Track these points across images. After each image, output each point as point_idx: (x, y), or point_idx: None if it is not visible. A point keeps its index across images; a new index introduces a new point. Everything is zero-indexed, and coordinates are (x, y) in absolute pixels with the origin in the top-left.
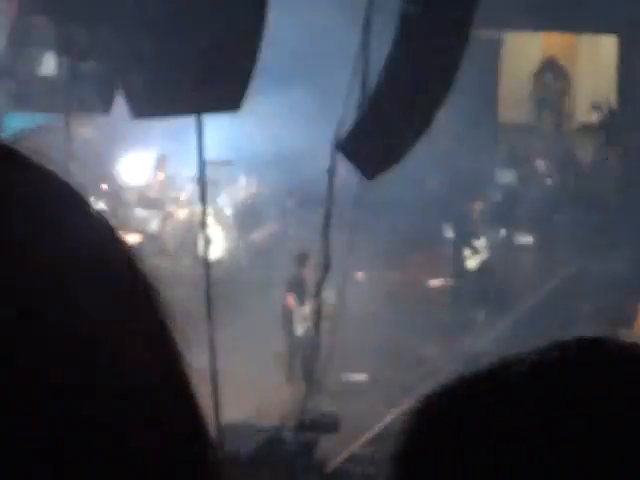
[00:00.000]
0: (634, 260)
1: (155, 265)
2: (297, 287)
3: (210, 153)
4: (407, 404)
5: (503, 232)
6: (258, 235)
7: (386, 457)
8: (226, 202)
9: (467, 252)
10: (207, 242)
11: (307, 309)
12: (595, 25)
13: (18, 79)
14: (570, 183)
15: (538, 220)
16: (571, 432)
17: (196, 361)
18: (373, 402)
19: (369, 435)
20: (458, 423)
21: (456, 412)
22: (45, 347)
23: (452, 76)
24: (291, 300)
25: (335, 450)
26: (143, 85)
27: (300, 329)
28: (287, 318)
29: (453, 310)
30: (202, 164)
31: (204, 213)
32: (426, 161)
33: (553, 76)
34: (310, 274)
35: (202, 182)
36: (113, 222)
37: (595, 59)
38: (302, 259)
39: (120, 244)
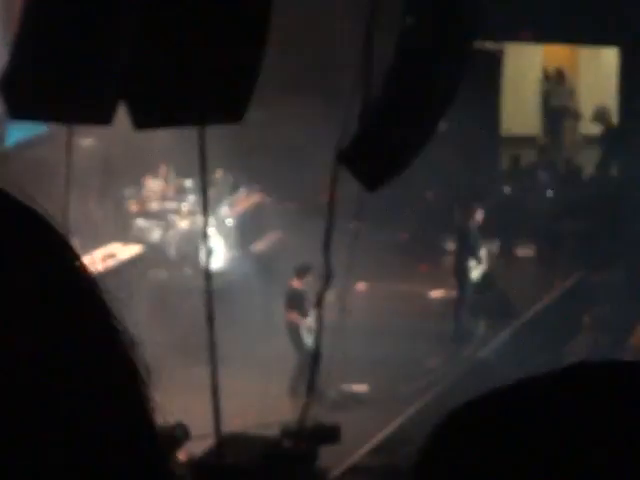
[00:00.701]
0: (634, 271)
1: (157, 276)
2: (298, 301)
3: (213, 163)
4: (408, 415)
5: (504, 243)
6: (260, 245)
7: (388, 468)
8: (228, 212)
9: (472, 263)
10: (209, 252)
11: (310, 320)
12: (596, 37)
13: None
14: (571, 194)
15: (539, 231)
16: (596, 454)
17: (197, 371)
18: (374, 413)
19: (370, 446)
20: (482, 439)
21: (480, 428)
22: None
23: (454, 88)
24: (294, 316)
25: (336, 461)
26: (146, 95)
27: (309, 341)
28: (295, 333)
29: (454, 321)
30: (204, 174)
31: (206, 223)
32: (428, 172)
33: (557, 87)
34: (309, 286)
35: (204, 192)
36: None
37: (596, 71)
38: (302, 272)
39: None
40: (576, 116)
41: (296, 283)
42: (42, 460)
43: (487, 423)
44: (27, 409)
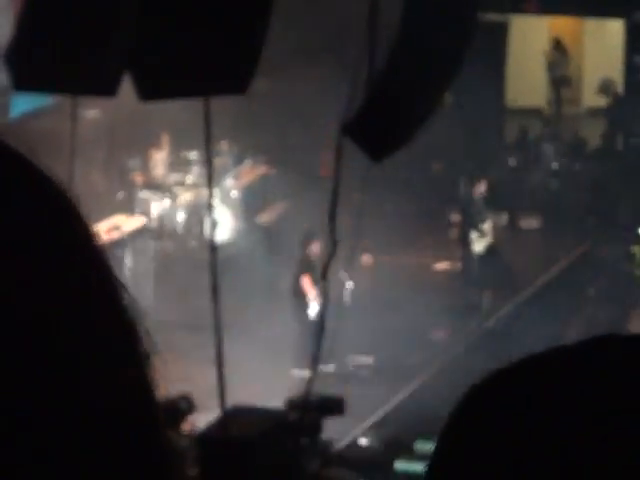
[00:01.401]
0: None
1: (161, 247)
2: (310, 268)
3: (218, 134)
4: (413, 387)
5: (509, 216)
6: (265, 217)
7: (393, 440)
8: (233, 184)
9: (473, 235)
10: (213, 224)
11: (317, 290)
12: (601, 9)
13: None
14: (576, 167)
15: (544, 203)
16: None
17: (202, 343)
18: (379, 385)
19: (375, 418)
20: (514, 408)
21: (512, 396)
22: None
23: (459, 59)
24: (306, 281)
25: (341, 433)
26: (150, 67)
27: (314, 310)
28: (301, 299)
29: (459, 293)
30: (209, 146)
31: (211, 195)
32: (433, 144)
33: (560, 59)
34: (317, 255)
35: (209, 164)
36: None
37: (602, 43)
38: (307, 240)
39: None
40: (569, 84)
41: (307, 251)
42: (36, 421)
43: (520, 392)
44: (23, 368)
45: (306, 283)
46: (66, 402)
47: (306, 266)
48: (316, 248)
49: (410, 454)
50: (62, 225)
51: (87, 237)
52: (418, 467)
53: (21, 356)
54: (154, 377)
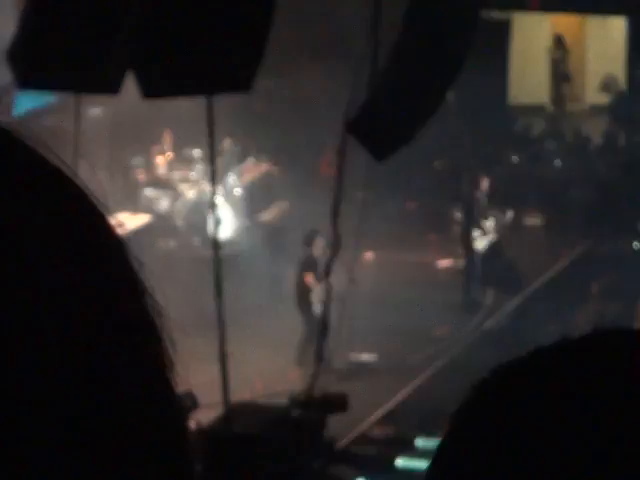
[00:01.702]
0: None
1: (165, 245)
2: (313, 266)
3: (221, 132)
4: (416, 384)
5: (512, 213)
6: (268, 215)
7: (395, 437)
8: (236, 182)
9: (476, 233)
10: (217, 222)
11: (321, 287)
12: (604, 6)
13: None
14: (579, 164)
15: (547, 200)
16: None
17: (205, 340)
18: (382, 382)
19: (378, 415)
20: (525, 398)
21: (524, 386)
22: None
23: (462, 57)
24: (310, 279)
25: (344, 430)
26: (154, 64)
27: (318, 308)
28: (305, 297)
29: (462, 290)
30: (212, 143)
31: (214, 193)
32: (436, 141)
33: (563, 56)
34: (320, 254)
35: (212, 161)
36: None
37: (604, 40)
38: (309, 239)
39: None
40: (572, 81)
41: (310, 249)
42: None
43: (526, 384)
44: (49, 362)
45: (309, 281)
46: (84, 391)
47: (309, 264)
48: (319, 246)
49: (412, 451)
50: (79, 214)
51: (106, 227)
52: (419, 464)
53: (34, 346)
54: (175, 368)
